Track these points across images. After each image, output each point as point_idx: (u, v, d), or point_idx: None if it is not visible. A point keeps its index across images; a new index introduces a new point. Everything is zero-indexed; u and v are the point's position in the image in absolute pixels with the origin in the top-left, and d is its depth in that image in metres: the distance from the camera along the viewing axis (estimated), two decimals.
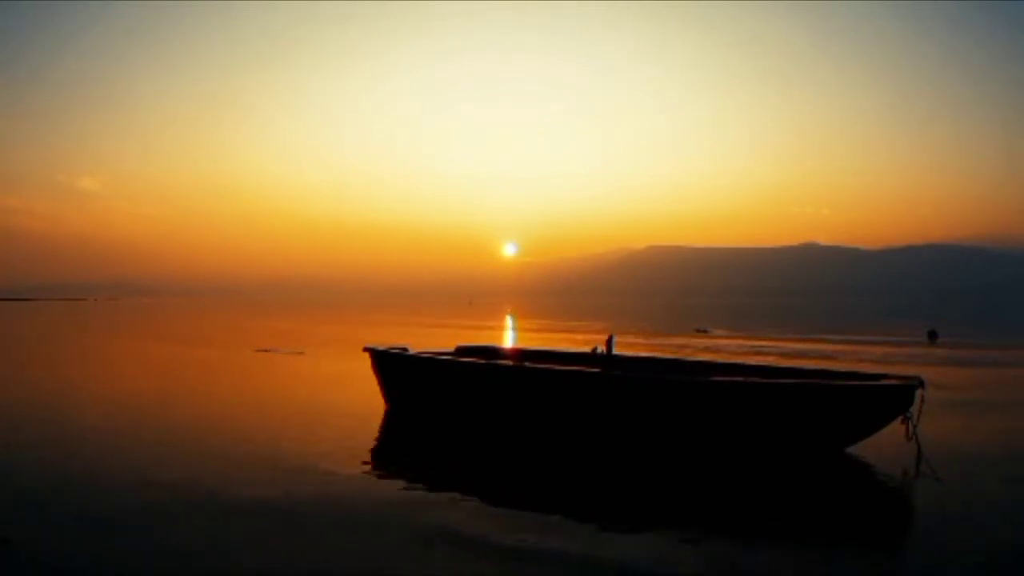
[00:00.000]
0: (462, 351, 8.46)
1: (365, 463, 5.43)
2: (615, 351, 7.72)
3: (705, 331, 24.71)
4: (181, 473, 5.02)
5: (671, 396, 5.78)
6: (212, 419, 7.19)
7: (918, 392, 5.41)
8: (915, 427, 5.43)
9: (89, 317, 44.33)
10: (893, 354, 15.45)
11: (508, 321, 36.31)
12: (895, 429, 5.47)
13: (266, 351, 15.59)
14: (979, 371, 12.38)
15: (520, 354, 8.60)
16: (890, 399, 5.44)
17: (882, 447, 5.64)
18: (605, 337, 7.96)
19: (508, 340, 21.86)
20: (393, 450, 6.15)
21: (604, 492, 4.71)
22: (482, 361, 7.38)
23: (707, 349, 16.85)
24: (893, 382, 5.61)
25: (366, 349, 7.92)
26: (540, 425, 6.40)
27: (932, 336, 20.51)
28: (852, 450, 5.67)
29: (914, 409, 5.42)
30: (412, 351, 7.89)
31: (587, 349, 8.10)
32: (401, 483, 4.90)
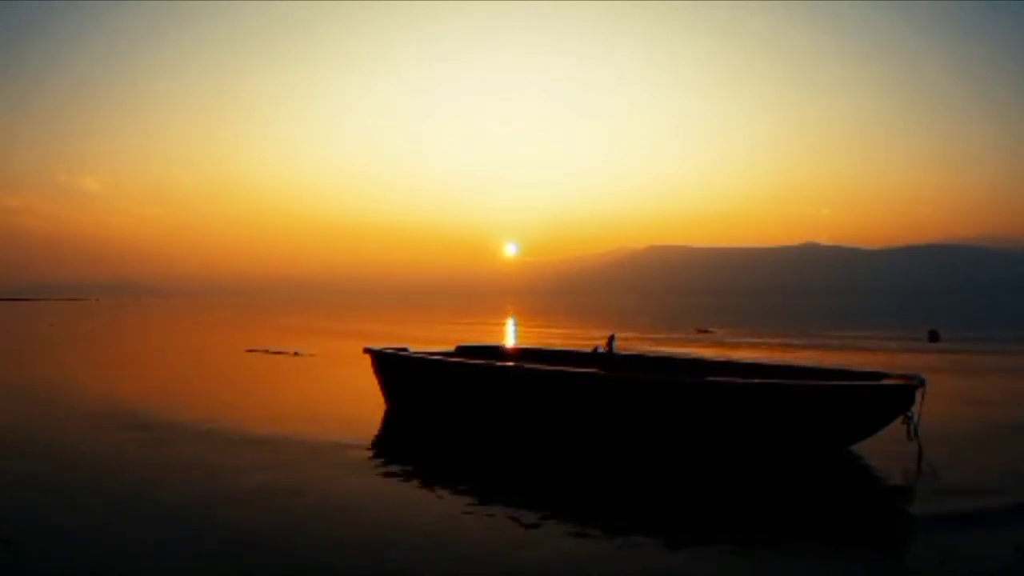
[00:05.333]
0: (462, 350, 8.46)
1: (366, 463, 5.43)
2: (615, 350, 7.73)
3: (707, 331, 24.68)
4: (181, 473, 5.04)
5: (671, 397, 5.78)
6: (212, 419, 7.18)
7: (919, 392, 5.40)
8: (916, 427, 5.42)
9: (93, 317, 44.32)
10: (893, 354, 15.43)
11: (509, 325, 36.28)
12: (896, 429, 5.46)
13: (264, 351, 15.59)
14: (980, 371, 12.37)
15: (520, 353, 8.61)
16: (891, 399, 5.43)
17: (882, 447, 5.64)
18: (606, 336, 7.96)
19: (508, 340, 21.84)
20: (393, 450, 6.15)
21: (605, 494, 4.71)
22: (481, 361, 7.38)
23: (709, 349, 16.83)
24: (894, 381, 5.59)
25: (366, 350, 7.93)
26: (540, 425, 6.39)
27: (932, 336, 20.46)
28: (852, 450, 5.66)
29: (915, 409, 5.42)
30: (412, 350, 7.92)
31: (588, 348, 8.11)
32: (402, 482, 4.91)
